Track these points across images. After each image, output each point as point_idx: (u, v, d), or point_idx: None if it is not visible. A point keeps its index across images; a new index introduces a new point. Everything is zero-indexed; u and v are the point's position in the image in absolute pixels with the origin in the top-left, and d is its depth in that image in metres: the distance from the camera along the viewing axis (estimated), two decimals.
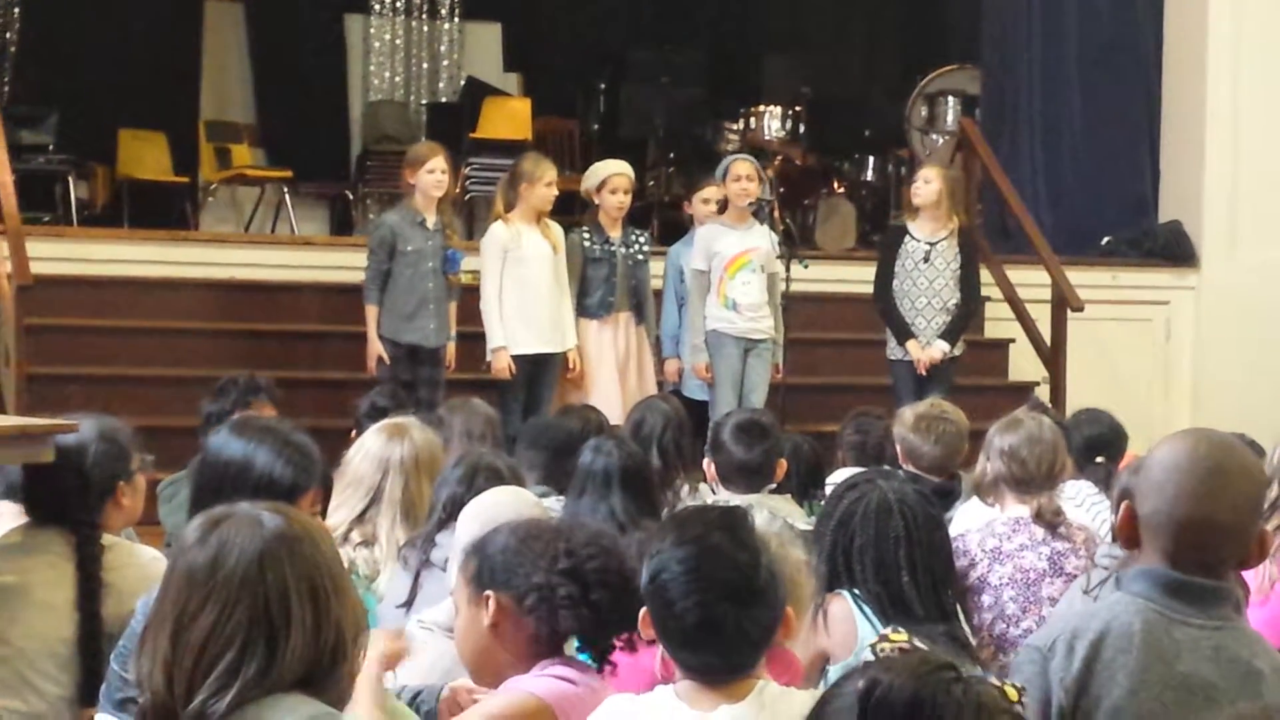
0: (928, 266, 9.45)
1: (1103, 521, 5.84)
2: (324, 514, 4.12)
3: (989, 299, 11.37)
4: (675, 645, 3.16)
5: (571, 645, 3.58)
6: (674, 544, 3.17)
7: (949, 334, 9.47)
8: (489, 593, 3.51)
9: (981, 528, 5.39)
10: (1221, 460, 3.22)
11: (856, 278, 10.36)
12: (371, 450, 5.36)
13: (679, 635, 3.14)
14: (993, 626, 5.22)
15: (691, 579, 3.12)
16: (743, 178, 9.37)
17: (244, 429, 4.03)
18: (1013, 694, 2.59)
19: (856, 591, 4.23)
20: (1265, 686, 3.19)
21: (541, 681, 3.41)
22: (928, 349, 9.41)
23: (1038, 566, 5.27)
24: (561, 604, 3.46)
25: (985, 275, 11.32)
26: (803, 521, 5.39)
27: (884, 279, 9.59)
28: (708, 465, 6.07)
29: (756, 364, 9.36)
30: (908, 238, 9.54)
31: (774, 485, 5.97)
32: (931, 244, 9.47)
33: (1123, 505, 3.28)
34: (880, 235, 9.92)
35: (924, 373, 9.38)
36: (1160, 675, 3.14)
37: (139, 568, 4.24)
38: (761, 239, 9.42)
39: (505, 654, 3.51)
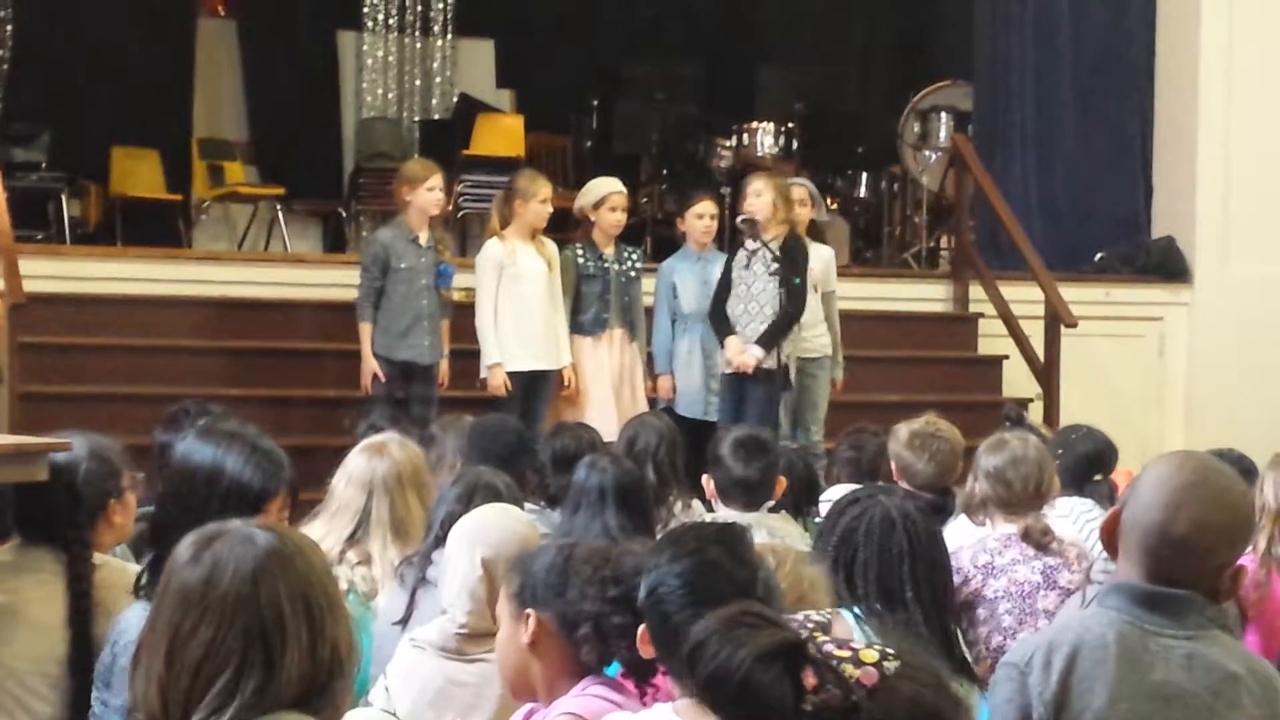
0: (747, 273, 9.09)
1: (1097, 540, 5.84)
2: (291, 519, 4.11)
3: (982, 315, 11.39)
4: (673, 660, 3.15)
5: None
6: (671, 559, 3.17)
7: (764, 340, 9.01)
8: (530, 611, 3.52)
9: (974, 544, 5.43)
10: (1203, 479, 3.22)
11: (849, 294, 10.36)
12: (354, 473, 5.36)
13: (676, 650, 3.12)
14: (989, 640, 5.26)
15: (689, 593, 3.12)
16: (794, 203, 9.49)
17: (211, 434, 4.01)
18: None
19: (858, 610, 4.21)
20: (1243, 688, 3.21)
21: (581, 700, 3.40)
22: (741, 355, 9.00)
23: (1031, 580, 5.33)
24: (614, 633, 3.45)
25: (979, 292, 11.38)
26: (801, 540, 5.39)
27: (720, 287, 9.22)
28: (706, 482, 6.06)
29: (812, 382, 9.49)
30: (740, 248, 9.21)
31: (773, 503, 5.96)
32: (752, 252, 9.09)
33: (1111, 510, 3.30)
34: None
35: (740, 372, 8.99)
36: (1135, 685, 3.16)
37: (130, 587, 4.23)
38: (817, 260, 9.52)
39: (543, 672, 3.51)
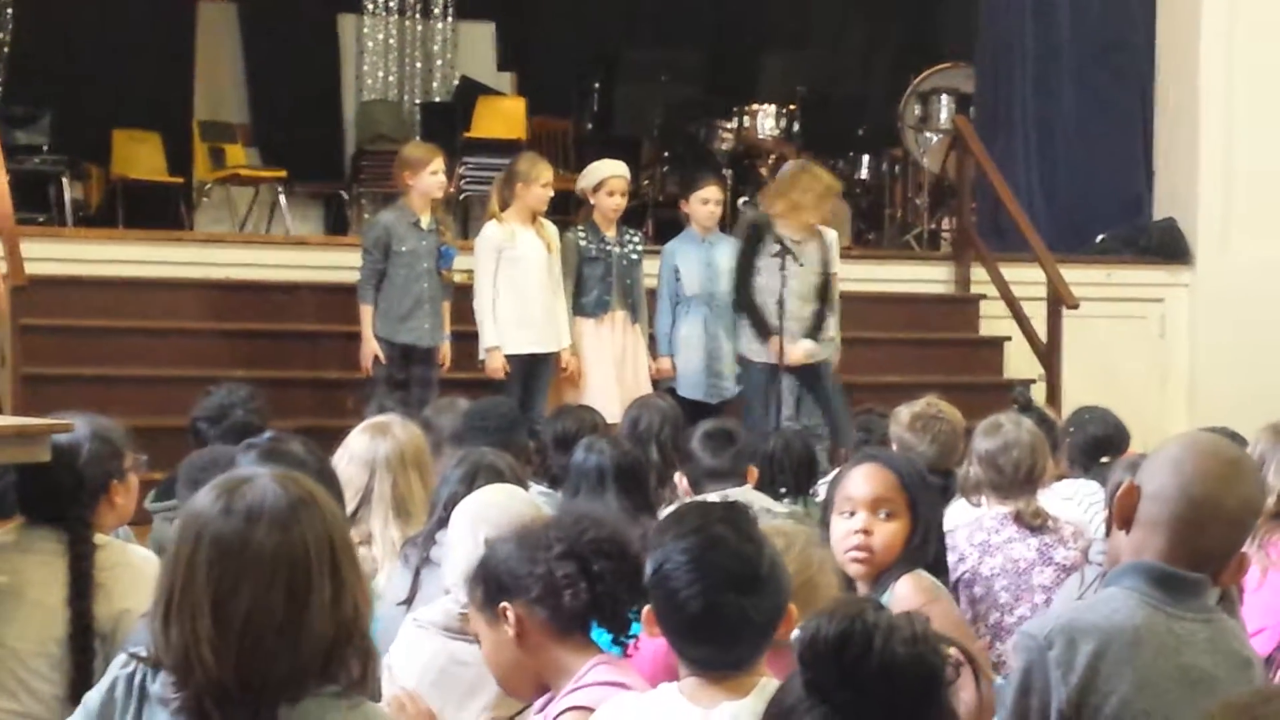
0: (792, 263, 9.16)
1: (1101, 522, 5.86)
2: None
3: (984, 297, 11.39)
4: (678, 637, 3.16)
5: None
6: (676, 536, 3.17)
7: (819, 332, 9.28)
8: (504, 604, 3.52)
9: (970, 523, 5.49)
10: (1240, 456, 3.30)
11: (851, 276, 10.35)
12: (357, 452, 5.37)
13: (682, 626, 3.13)
14: (987, 616, 5.32)
15: (694, 568, 3.12)
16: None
17: (281, 460, 3.86)
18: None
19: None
20: (1254, 675, 3.23)
21: (588, 693, 3.39)
22: (793, 347, 9.15)
23: (1027, 556, 5.41)
24: (564, 584, 3.46)
25: (981, 273, 11.39)
26: (783, 511, 5.41)
27: (745, 276, 9.30)
28: (679, 479, 6.06)
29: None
30: (769, 235, 9.27)
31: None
32: (797, 241, 9.21)
33: (1126, 481, 3.27)
34: (739, 231, 9.65)
35: (784, 366, 9.14)
36: (1164, 669, 3.15)
37: (131, 567, 4.24)
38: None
39: (538, 663, 3.52)
